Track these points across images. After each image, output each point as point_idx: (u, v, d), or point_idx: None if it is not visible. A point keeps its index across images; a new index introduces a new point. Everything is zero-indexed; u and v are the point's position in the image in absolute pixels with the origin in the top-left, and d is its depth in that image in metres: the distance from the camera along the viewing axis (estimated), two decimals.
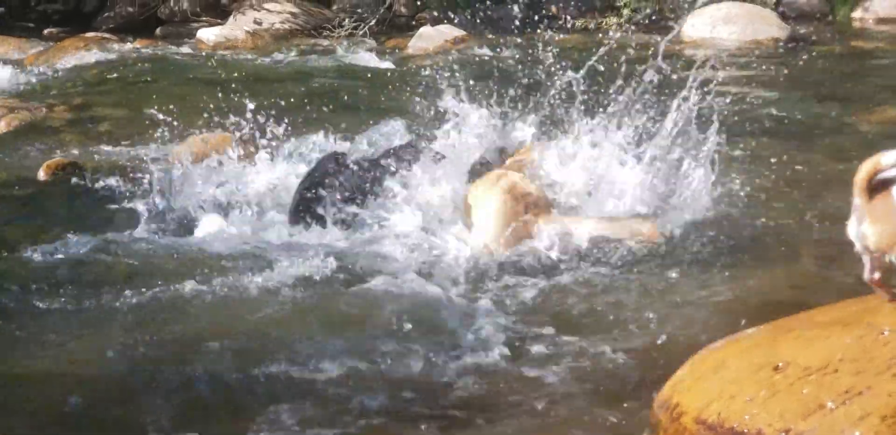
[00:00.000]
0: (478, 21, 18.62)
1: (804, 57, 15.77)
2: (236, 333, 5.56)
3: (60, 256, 6.83)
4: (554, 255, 6.58)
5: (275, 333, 5.57)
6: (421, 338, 5.46)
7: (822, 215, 7.42)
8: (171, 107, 11.98)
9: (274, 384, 5.01)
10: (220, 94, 12.76)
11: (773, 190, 8.06)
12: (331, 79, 13.97)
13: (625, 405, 4.71)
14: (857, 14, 19.82)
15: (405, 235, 6.94)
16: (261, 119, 11.10)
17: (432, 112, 11.00)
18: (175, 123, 10.84)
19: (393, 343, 5.38)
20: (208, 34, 18.09)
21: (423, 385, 5.01)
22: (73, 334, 5.66)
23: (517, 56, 16.06)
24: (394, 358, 5.23)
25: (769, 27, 17.16)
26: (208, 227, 7.33)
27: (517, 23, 19.55)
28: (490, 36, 17.54)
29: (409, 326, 5.55)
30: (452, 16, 18.22)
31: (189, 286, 6.16)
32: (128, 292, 6.10)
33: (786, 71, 14.90)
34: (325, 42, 18.01)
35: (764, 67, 15.16)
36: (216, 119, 11.13)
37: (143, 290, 6.13)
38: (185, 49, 17.23)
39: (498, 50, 16.45)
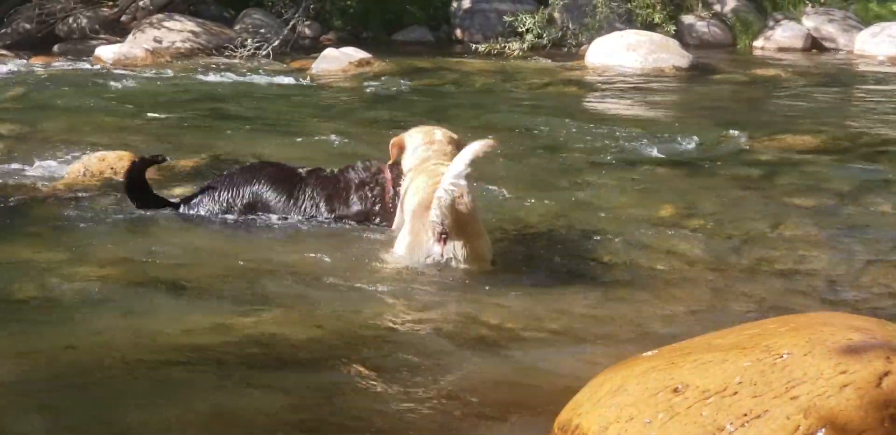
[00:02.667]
0: (382, 44, 18.65)
1: (706, 85, 16.01)
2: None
3: None
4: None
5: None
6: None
7: (722, 241, 7.48)
8: (68, 124, 11.82)
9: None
10: (117, 112, 12.62)
11: (674, 216, 8.11)
12: (232, 99, 13.86)
13: (525, 427, 4.66)
14: (758, 43, 20.19)
15: None
16: (157, 139, 11.02)
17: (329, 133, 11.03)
18: (72, 141, 10.67)
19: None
20: (107, 51, 17.89)
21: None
22: None
23: (420, 80, 16.08)
24: None
25: (671, 55, 17.39)
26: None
27: (422, 46, 19.66)
28: (395, 58, 17.53)
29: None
30: (357, 38, 18.23)
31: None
32: (29, 309, 5.96)
33: (687, 98, 15.12)
34: (227, 62, 17.89)
35: (665, 95, 15.35)
36: (114, 137, 10.98)
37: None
38: (84, 66, 17.01)
39: (403, 73, 16.43)
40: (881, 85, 16.42)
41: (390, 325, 5.87)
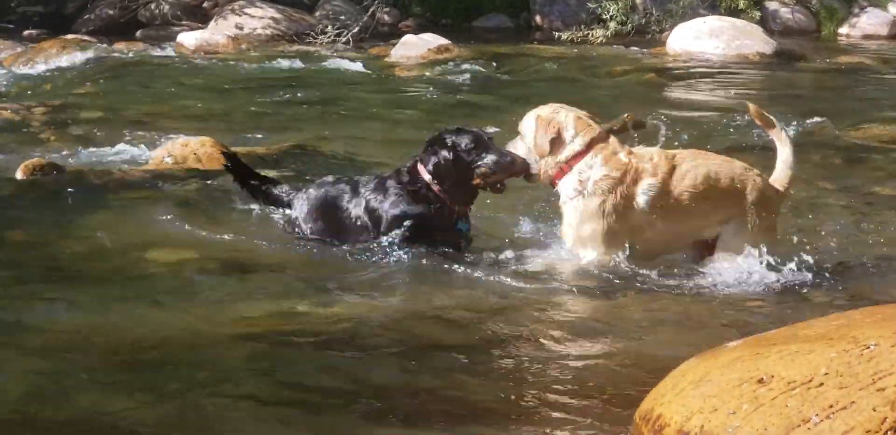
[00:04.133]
0: (461, 30, 18.63)
1: (790, 72, 15.80)
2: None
3: (36, 253, 6.75)
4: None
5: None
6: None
7: (807, 232, 7.38)
8: (151, 110, 11.94)
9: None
10: (199, 98, 12.73)
11: None
12: (311, 85, 13.92)
13: (606, 418, 4.64)
14: (843, 30, 19.93)
15: None
16: (239, 125, 11.10)
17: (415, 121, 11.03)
18: (155, 126, 10.78)
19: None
20: (189, 38, 18.03)
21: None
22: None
23: (502, 66, 16.04)
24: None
25: (754, 42, 17.17)
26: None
27: (501, 33, 19.61)
28: (474, 45, 17.50)
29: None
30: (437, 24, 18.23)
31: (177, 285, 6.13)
32: (108, 291, 6.03)
33: (771, 85, 14.93)
34: (307, 48, 17.96)
35: (749, 82, 15.16)
36: (196, 123, 11.08)
37: (126, 288, 6.07)
38: (166, 52, 17.16)
39: (482, 60, 16.39)
40: None
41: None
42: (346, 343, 5.43)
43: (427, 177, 6.71)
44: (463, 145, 6.64)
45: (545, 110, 6.58)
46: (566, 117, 6.49)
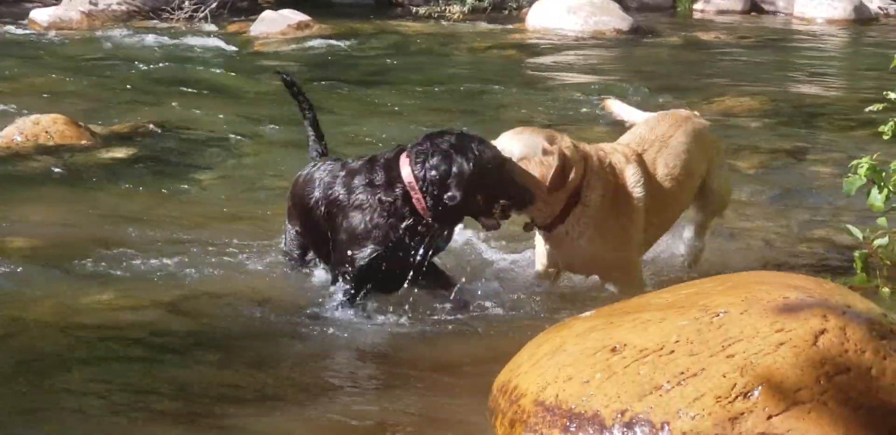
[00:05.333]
0: (321, 6, 18.46)
1: (646, 48, 16.00)
2: None
3: None
4: None
5: None
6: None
7: None
8: (1, 88, 11.63)
9: None
10: (52, 76, 12.43)
11: None
12: (167, 63, 13.66)
13: (464, 390, 4.66)
14: (698, 6, 20.17)
15: None
16: (93, 103, 10.88)
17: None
18: (4, 103, 10.52)
19: None
20: (42, 14, 17.54)
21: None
22: None
23: (360, 43, 15.96)
24: None
25: (612, 18, 17.33)
26: None
27: (361, 8, 19.49)
28: (335, 21, 17.38)
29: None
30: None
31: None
32: None
33: (627, 61, 15.11)
34: (164, 25, 17.65)
35: (605, 58, 15.33)
36: (47, 100, 10.84)
37: None
38: (18, 29, 16.70)
39: (342, 36, 16.28)
40: (819, 47, 16.50)
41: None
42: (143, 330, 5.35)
43: (410, 181, 5.20)
44: (486, 161, 5.21)
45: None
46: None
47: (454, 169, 5.10)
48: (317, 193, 5.43)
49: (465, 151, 5.13)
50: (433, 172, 5.12)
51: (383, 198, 5.19)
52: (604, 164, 5.57)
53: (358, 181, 5.27)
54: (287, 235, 5.92)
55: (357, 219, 5.23)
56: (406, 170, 5.19)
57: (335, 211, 5.31)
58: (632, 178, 5.60)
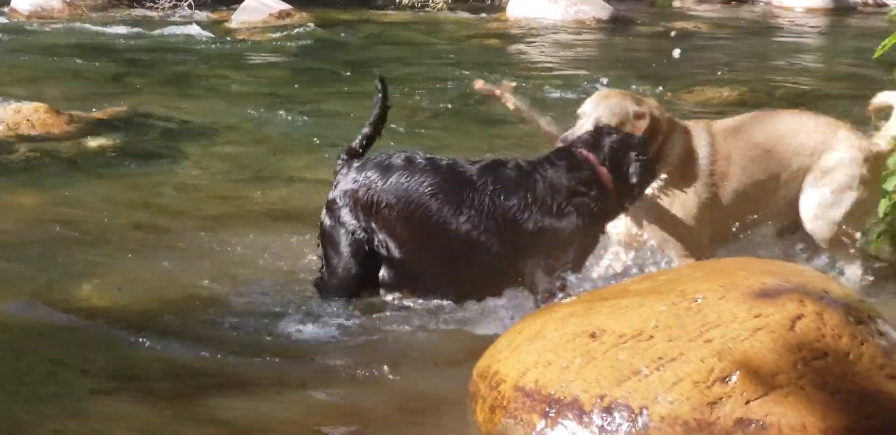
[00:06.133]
0: None
1: (625, 37, 16.04)
2: None
3: None
4: None
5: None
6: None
7: None
8: None
9: None
10: (34, 65, 12.42)
11: None
12: (149, 51, 13.67)
13: (444, 376, 4.69)
14: None
15: None
16: (75, 91, 10.87)
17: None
18: None
19: None
20: (23, 3, 17.48)
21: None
22: None
23: (344, 32, 15.96)
24: None
25: (592, 7, 17.37)
26: None
27: None
28: (317, 10, 17.36)
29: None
30: None
31: None
32: None
33: (606, 50, 15.15)
34: (146, 13, 17.61)
35: (585, 47, 15.36)
36: (29, 89, 10.82)
37: None
38: None
39: (324, 25, 16.28)
40: (799, 36, 16.57)
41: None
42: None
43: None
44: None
45: None
46: None
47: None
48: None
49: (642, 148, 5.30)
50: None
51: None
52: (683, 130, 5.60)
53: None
54: (340, 261, 5.41)
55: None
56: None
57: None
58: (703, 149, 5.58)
